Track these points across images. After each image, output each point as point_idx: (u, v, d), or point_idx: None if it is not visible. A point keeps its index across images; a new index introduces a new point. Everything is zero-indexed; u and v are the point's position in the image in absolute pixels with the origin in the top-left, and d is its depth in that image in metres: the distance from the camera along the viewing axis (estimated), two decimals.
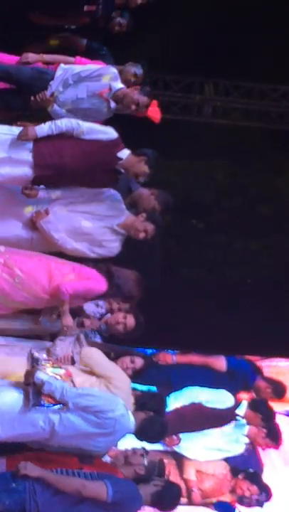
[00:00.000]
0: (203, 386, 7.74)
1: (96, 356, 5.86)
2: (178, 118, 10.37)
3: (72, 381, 5.55)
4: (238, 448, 7.84)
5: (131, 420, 5.60)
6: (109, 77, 6.44)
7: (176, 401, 7.57)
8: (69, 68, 6.54)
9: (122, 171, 6.34)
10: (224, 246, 10.13)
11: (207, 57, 9.76)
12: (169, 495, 5.80)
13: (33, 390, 5.37)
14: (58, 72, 6.50)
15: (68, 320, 6.11)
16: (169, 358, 7.86)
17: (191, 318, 8.95)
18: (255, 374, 8.00)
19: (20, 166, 6.17)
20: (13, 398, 5.44)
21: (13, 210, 6.38)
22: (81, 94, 6.46)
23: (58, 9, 7.32)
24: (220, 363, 7.87)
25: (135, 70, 6.76)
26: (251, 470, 7.70)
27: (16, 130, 6.19)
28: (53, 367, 5.55)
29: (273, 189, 10.41)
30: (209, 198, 10.26)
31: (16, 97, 6.61)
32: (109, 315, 6.33)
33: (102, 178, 6.33)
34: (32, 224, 6.31)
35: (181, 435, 7.72)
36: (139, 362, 6.44)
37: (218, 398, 7.74)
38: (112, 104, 6.52)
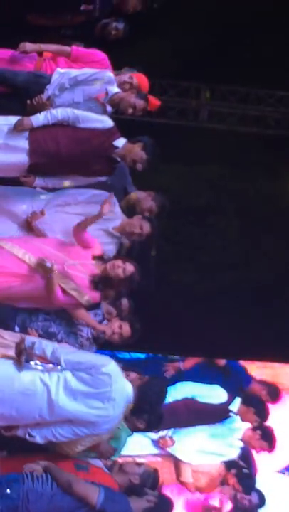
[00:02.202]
0: (197, 381, 7.79)
1: None
2: (174, 122, 10.39)
3: None
4: (233, 452, 7.86)
5: (127, 385, 5.52)
6: (101, 82, 6.45)
7: (168, 395, 7.58)
8: (66, 72, 6.55)
9: (119, 159, 6.36)
10: (219, 250, 10.14)
11: (204, 62, 9.78)
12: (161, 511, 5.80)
13: (25, 355, 5.38)
14: (55, 76, 6.51)
15: None
16: (176, 367, 7.93)
17: (185, 323, 8.96)
18: (249, 377, 8.04)
19: (17, 153, 6.20)
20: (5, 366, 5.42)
21: (8, 211, 6.41)
22: (77, 98, 6.47)
23: (56, 7, 7.36)
24: None
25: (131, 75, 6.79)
26: (246, 471, 7.72)
27: (12, 120, 6.24)
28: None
29: (269, 194, 10.42)
30: (204, 202, 10.28)
31: (12, 101, 6.62)
32: (106, 322, 6.34)
33: (98, 166, 6.35)
34: (27, 225, 6.34)
35: (174, 437, 7.74)
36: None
37: (212, 393, 7.79)
38: (109, 109, 6.54)
